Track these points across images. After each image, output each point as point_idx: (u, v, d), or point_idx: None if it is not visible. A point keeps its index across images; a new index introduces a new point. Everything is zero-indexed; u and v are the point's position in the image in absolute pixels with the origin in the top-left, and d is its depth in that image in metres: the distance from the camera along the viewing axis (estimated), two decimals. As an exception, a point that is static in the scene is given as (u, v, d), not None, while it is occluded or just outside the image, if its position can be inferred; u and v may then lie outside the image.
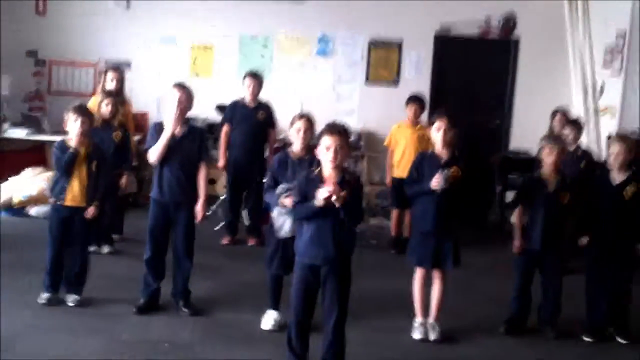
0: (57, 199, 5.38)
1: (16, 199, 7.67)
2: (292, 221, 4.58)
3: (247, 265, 6.60)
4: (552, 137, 5.67)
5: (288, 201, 4.59)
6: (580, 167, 6.68)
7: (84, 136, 5.36)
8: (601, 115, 8.93)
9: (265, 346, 4.84)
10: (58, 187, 5.38)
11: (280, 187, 4.77)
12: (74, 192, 5.35)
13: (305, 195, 4.18)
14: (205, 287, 5.87)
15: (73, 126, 5.31)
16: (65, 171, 5.31)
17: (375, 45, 10.22)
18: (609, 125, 8.45)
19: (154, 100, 9.84)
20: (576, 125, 7.01)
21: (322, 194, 4.03)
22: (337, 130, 4.17)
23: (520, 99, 10.27)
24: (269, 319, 5.18)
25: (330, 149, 4.12)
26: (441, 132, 5.03)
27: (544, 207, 5.22)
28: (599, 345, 5.23)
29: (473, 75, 10.30)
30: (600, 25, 9.16)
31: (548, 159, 5.25)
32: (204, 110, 8.64)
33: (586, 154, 7.00)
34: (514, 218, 5.47)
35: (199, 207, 5.38)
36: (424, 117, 7.79)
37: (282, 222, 4.79)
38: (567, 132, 6.88)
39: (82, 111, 5.36)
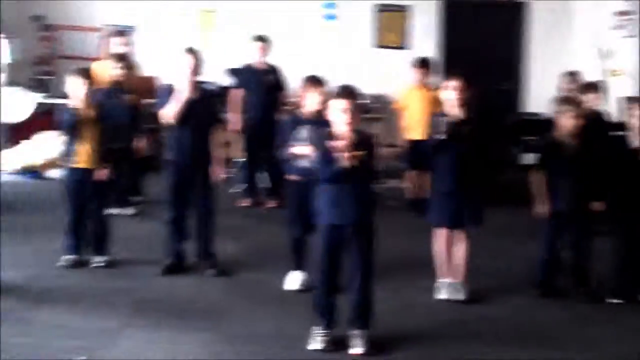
0: (67, 161, 5.36)
1: (32, 161, 7.72)
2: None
3: (268, 227, 6.63)
4: (567, 99, 5.60)
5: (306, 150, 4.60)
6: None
7: (87, 98, 5.32)
8: (614, 76, 8.89)
9: (291, 307, 4.84)
10: (67, 150, 5.39)
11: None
12: (83, 155, 5.34)
13: (324, 156, 4.16)
14: (229, 248, 5.87)
15: (75, 89, 5.29)
16: (70, 133, 5.31)
17: (383, 10, 10.14)
18: (626, 87, 8.40)
19: (160, 64, 9.78)
20: (596, 89, 6.98)
21: (340, 160, 4.03)
22: (350, 92, 4.18)
23: (532, 61, 10.22)
24: (293, 280, 5.18)
25: (346, 111, 4.11)
26: (455, 93, 4.99)
27: (568, 170, 5.17)
28: (630, 306, 5.14)
29: (484, 38, 10.24)
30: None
31: (567, 122, 5.18)
32: (215, 75, 8.57)
33: (599, 116, 6.96)
34: (534, 181, 5.41)
35: (214, 167, 5.38)
36: (434, 80, 7.76)
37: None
38: (590, 97, 6.87)
39: (83, 74, 5.36)
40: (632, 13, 8.64)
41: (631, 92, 8.34)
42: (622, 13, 8.88)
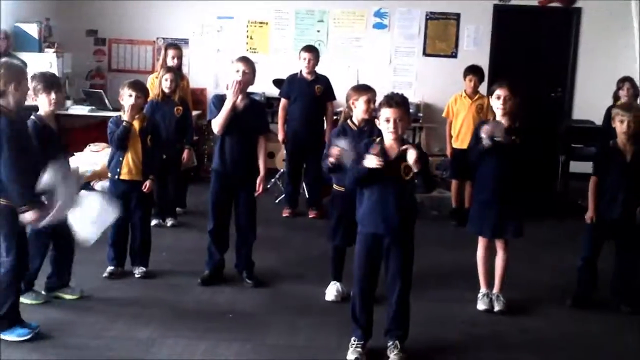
0: (113, 173, 5.46)
1: (82, 173, 7.83)
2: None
3: (308, 238, 6.65)
4: (625, 105, 5.49)
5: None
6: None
7: (138, 110, 5.44)
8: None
9: (329, 317, 4.84)
10: (114, 162, 5.47)
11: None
12: (129, 166, 5.43)
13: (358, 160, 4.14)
14: (268, 258, 5.91)
15: (127, 100, 5.39)
16: (119, 145, 5.39)
17: (432, 18, 10.10)
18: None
19: (212, 76, 9.98)
20: None
21: (370, 161, 4.00)
22: (396, 101, 4.12)
23: (582, 68, 10.06)
24: (332, 290, 5.19)
25: (390, 120, 4.09)
26: (501, 101, 4.93)
27: (622, 177, 5.06)
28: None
29: (534, 45, 10.12)
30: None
31: (621, 128, 5.08)
32: (262, 86, 8.70)
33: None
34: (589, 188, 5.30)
35: (259, 180, 5.41)
36: (483, 88, 7.70)
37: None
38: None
39: (136, 86, 5.44)
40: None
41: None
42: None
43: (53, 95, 4.67)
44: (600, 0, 9.81)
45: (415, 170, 4.03)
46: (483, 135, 4.77)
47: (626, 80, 7.45)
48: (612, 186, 5.09)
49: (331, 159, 4.43)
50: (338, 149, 4.34)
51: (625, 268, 5.19)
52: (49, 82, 4.69)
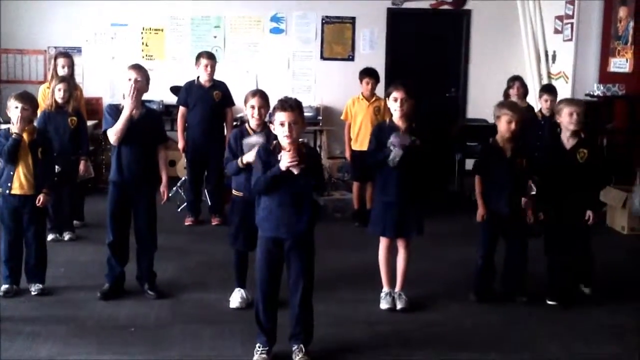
0: (4, 188, 5.26)
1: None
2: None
3: (211, 245, 6.59)
4: (511, 104, 5.68)
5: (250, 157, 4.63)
6: (557, 133, 6.79)
7: (27, 122, 5.26)
8: (555, 79, 9.07)
9: (234, 325, 4.81)
10: (4, 176, 5.26)
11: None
12: (20, 181, 5.24)
13: (266, 167, 4.15)
14: (171, 268, 5.84)
15: (13, 113, 5.21)
16: (9, 159, 5.20)
17: (328, 22, 10.22)
18: (563, 89, 8.55)
19: (107, 85, 9.79)
20: (552, 92, 7.15)
21: (284, 159, 4.02)
22: (290, 105, 4.12)
23: (474, 68, 10.39)
24: (236, 297, 5.16)
25: (285, 124, 4.09)
26: (398, 103, 5.02)
27: (505, 173, 5.25)
28: (562, 306, 5.27)
29: (428, 47, 10.39)
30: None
31: (508, 127, 5.26)
32: (159, 93, 8.60)
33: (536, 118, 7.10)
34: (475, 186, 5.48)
35: (162, 188, 5.36)
36: (380, 90, 7.82)
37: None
38: (545, 98, 7.08)
39: (22, 98, 5.26)
40: (571, 17, 8.81)
41: (570, 95, 8.52)
42: (561, 18, 9.04)
43: None
44: (487, 2, 10.14)
45: (295, 172, 4.03)
46: (395, 147, 4.85)
47: (516, 79, 7.72)
48: (498, 183, 5.25)
49: (247, 158, 4.61)
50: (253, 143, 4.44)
51: (514, 259, 5.37)
52: None
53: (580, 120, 5.22)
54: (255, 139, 4.70)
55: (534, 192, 5.48)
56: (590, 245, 5.43)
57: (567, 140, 5.29)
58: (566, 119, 5.25)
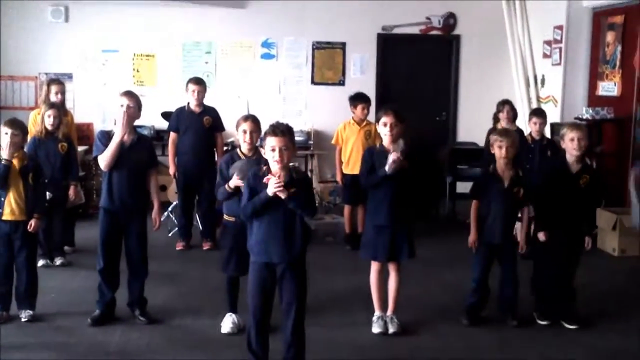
0: None
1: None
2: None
3: (203, 270, 6.57)
4: (502, 131, 5.73)
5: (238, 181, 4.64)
6: (547, 156, 6.85)
7: (17, 148, 5.26)
8: (544, 103, 9.13)
9: (225, 350, 4.79)
10: None
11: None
12: (12, 206, 5.23)
13: (254, 192, 4.16)
14: (162, 294, 5.82)
15: (3, 139, 5.22)
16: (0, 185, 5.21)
17: (319, 48, 10.29)
18: (552, 113, 8.62)
19: (98, 111, 9.82)
20: (542, 115, 7.19)
21: (271, 185, 4.03)
22: (281, 130, 4.13)
23: (464, 92, 10.46)
24: (227, 323, 5.14)
25: (275, 149, 4.10)
26: (388, 127, 5.04)
27: (500, 202, 5.26)
28: (556, 329, 5.28)
29: (418, 71, 10.46)
30: (537, 21, 9.39)
31: (500, 153, 5.28)
32: (150, 119, 8.63)
33: (550, 143, 7.11)
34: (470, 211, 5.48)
35: (154, 215, 5.36)
36: (370, 114, 7.85)
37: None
38: (534, 121, 7.10)
39: (12, 124, 5.26)
40: (559, 42, 8.89)
41: (559, 118, 8.59)
42: (549, 43, 9.13)
43: None
44: (476, 27, 10.24)
45: (282, 197, 4.04)
46: (394, 159, 4.86)
47: (505, 103, 7.79)
48: (493, 210, 5.27)
49: (235, 182, 4.60)
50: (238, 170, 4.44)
51: (506, 285, 5.38)
52: None
53: (582, 145, 5.24)
54: (240, 164, 4.69)
55: (532, 215, 5.47)
56: (574, 277, 5.42)
57: (572, 164, 5.32)
58: (569, 145, 5.28)
